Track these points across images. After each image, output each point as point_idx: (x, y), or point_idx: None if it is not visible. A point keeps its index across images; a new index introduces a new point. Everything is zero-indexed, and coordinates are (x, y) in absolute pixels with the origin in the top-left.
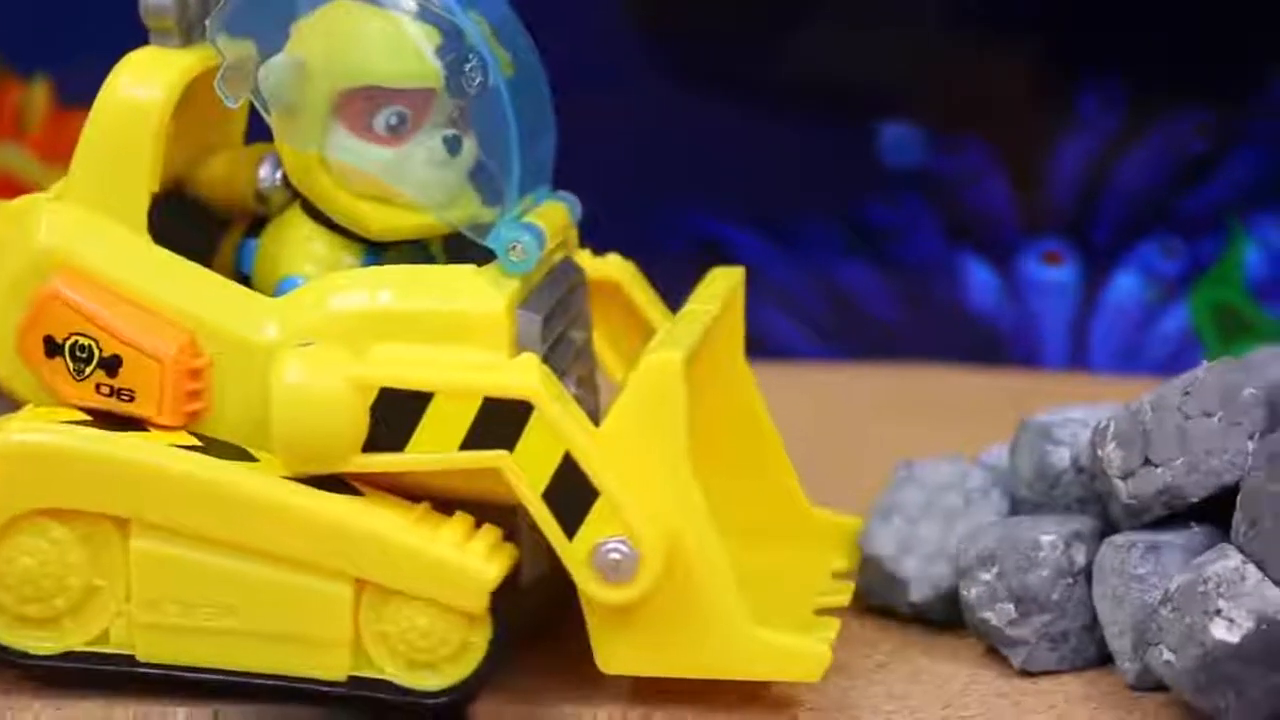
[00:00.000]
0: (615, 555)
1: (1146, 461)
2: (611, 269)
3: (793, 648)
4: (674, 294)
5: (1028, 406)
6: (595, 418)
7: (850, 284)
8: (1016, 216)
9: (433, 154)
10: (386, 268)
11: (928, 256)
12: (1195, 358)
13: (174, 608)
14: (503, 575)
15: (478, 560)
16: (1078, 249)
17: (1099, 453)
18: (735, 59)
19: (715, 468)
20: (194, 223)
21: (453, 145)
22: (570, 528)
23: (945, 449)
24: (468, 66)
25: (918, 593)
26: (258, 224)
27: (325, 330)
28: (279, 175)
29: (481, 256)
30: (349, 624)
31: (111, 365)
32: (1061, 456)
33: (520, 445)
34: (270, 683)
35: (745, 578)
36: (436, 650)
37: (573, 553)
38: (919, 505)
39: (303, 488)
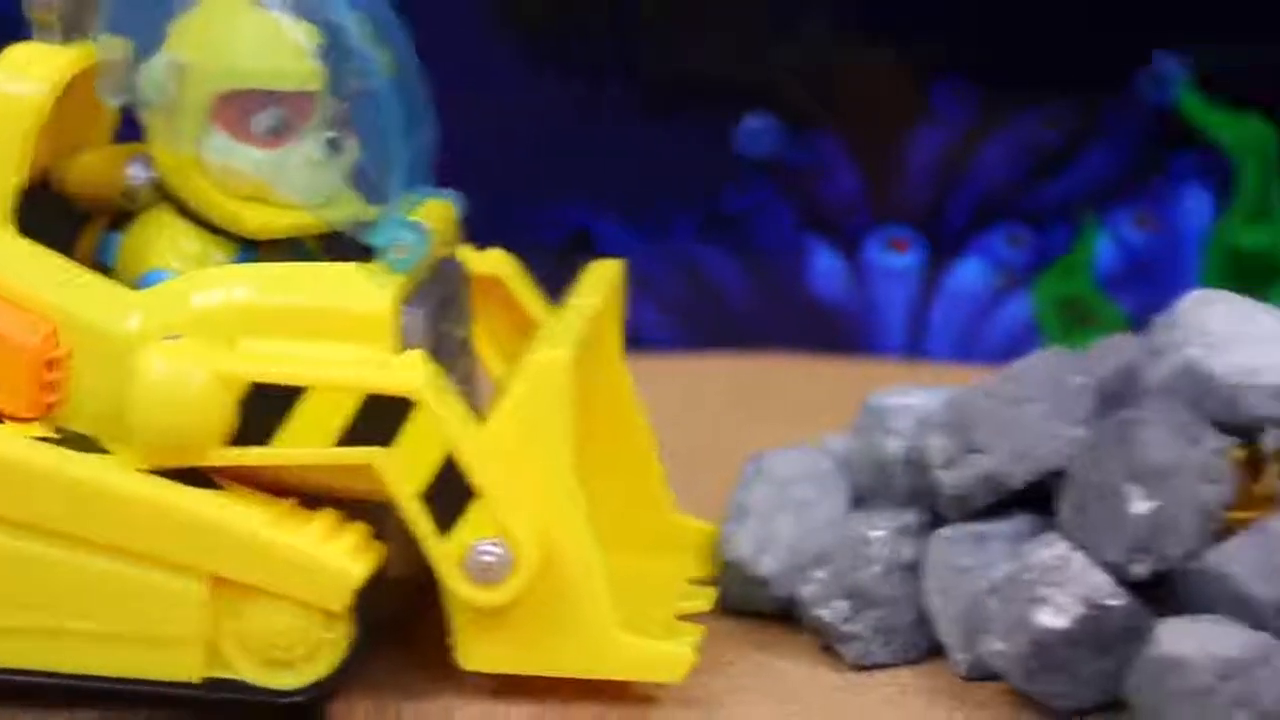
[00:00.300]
0: (488, 558)
1: (971, 448)
2: (493, 264)
3: (657, 651)
4: (544, 286)
5: (864, 395)
6: (475, 415)
7: (709, 273)
8: (867, 206)
9: (311, 156)
10: (266, 264)
11: (779, 244)
12: (1034, 347)
13: (21, 608)
14: (368, 574)
15: (342, 558)
16: (925, 238)
17: (924, 444)
18: (600, 54)
19: (590, 468)
20: (55, 216)
21: (333, 147)
22: (445, 528)
23: (794, 439)
24: (349, 67)
25: (778, 590)
26: (121, 218)
27: (197, 324)
28: (149, 175)
29: (361, 255)
30: (203, 623)
31: None
32: (895, 447)
33: (398, 443)
34: (122, 686)
35: (612, 581)
36: (294, 649)
37: (445, 554)
38: (771, 502)
39: (159, 481)
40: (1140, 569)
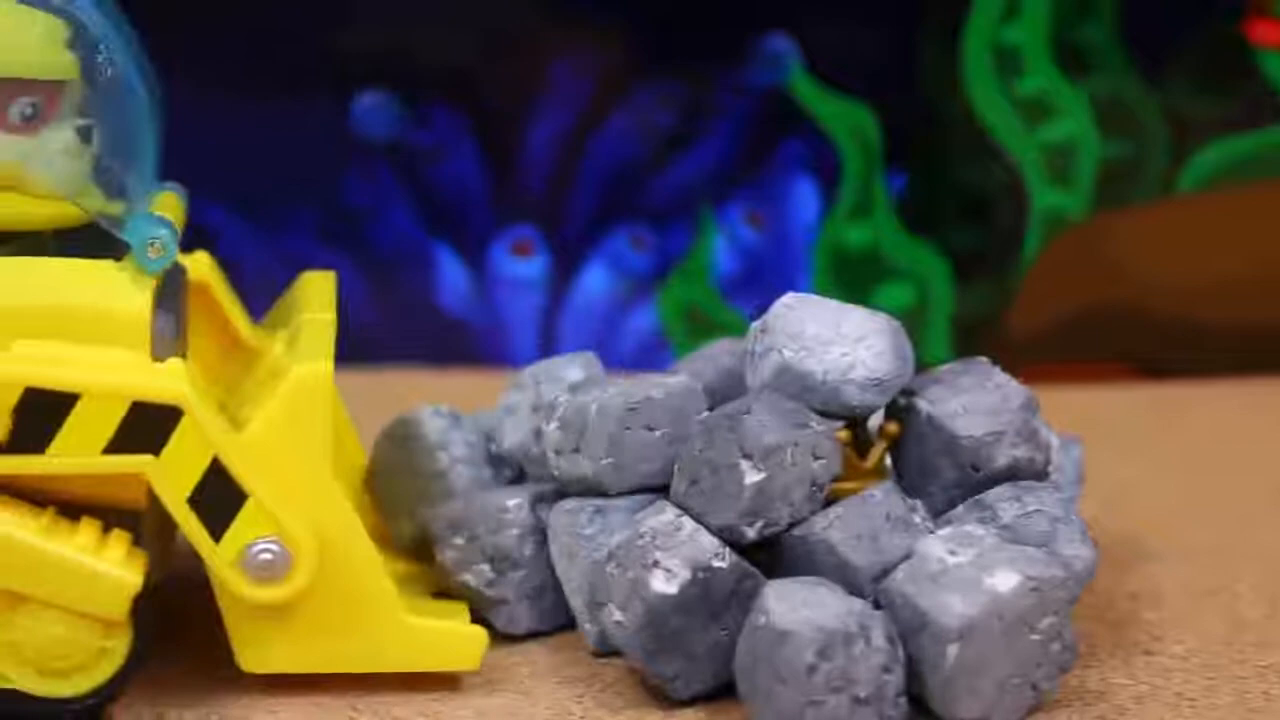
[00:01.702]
0: (266, 555)
1: (577, 449)
2: (201, 269)
3: (453, 633)
4: None
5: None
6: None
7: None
8: (488, 197)
9: (68, 143)
10: (22, 259)
11: (402, 249)
12: (665, 357)
13: None
14: (142, 581)
15: (116, 567)
16: (547, 238)
17: (542, 426)
18: (197, 37)
19: None
20: None
21: (85, 134)
22: (217, 531)
23: None
24: (99, 57)
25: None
26: None
27: None
28: None
29: (93, 251)
30: None
31: None
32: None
33: (167, 450)
34: None
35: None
36: (71, 658)
37: (220, 555)
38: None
39: None
40: (751, 531)
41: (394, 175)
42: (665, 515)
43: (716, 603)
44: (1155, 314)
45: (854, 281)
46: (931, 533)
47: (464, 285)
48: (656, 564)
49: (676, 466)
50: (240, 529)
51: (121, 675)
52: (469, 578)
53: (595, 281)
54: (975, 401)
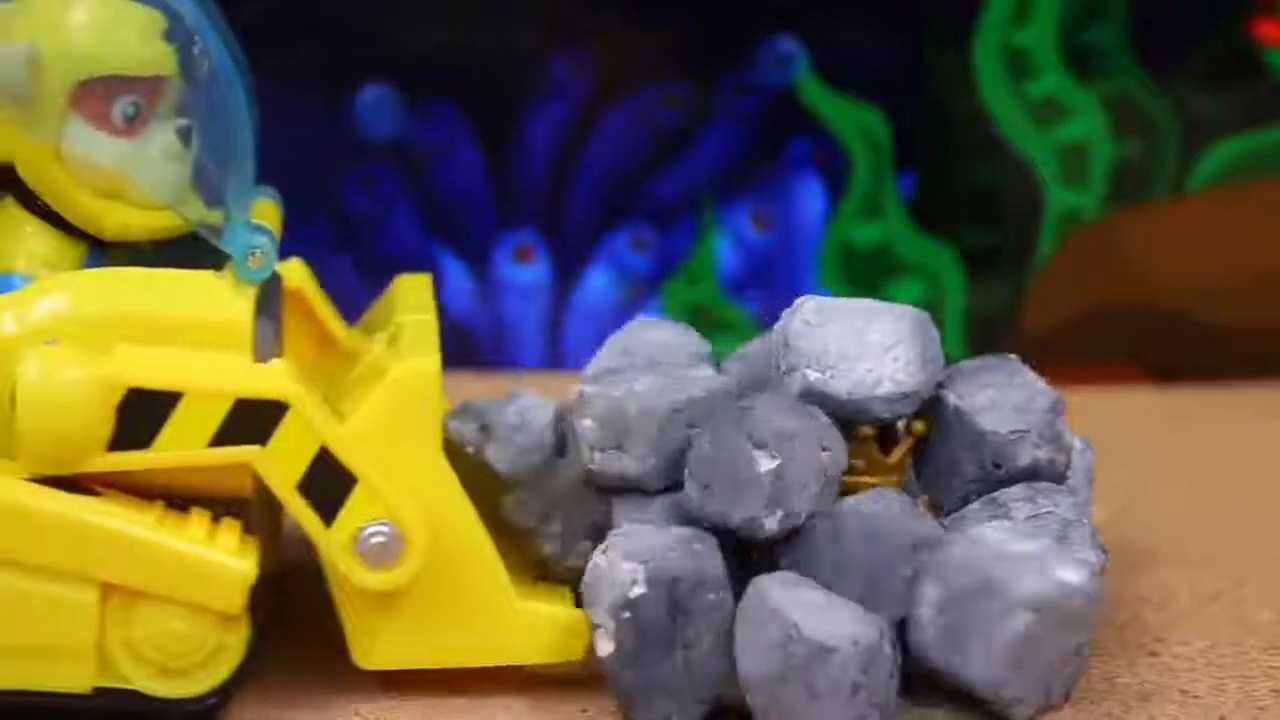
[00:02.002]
0: (379, 538)
1: (619, 447)
2: (294, 275)
3: (568, 618)
4: None
5: None
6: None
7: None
8: (490, 196)
9: (169, 146)
10: (128, 270)
11: (406, 254)
12: None
13: None
14: (257, 571)
15: (230, 556)
16: (548, 242)
17: (576, 420)
18: None
19: None
20: None
21: (185, 136)
22: (328, 516)
23: None
24: (196, 50)
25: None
26: None
27: (64, 329)
28: None
29: (190, 258)
30: (93, 632)
31: None
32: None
33: (273, 440)
34: (10, 700)
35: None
36: (190, 655)
37: (333, 540)
38: None
39: (43, 489)
40: (772, 522)
41: (395, 179)
42: (593, 560)
43: (658, 634)
44: (1170, 315)
45: (863, 278)
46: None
47: (467, 289)
48: (595, 626)
49: (687, 474)
50: (351, 513)
51: (240, 672)
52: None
53: (597, 284)
54: (1003, 398)
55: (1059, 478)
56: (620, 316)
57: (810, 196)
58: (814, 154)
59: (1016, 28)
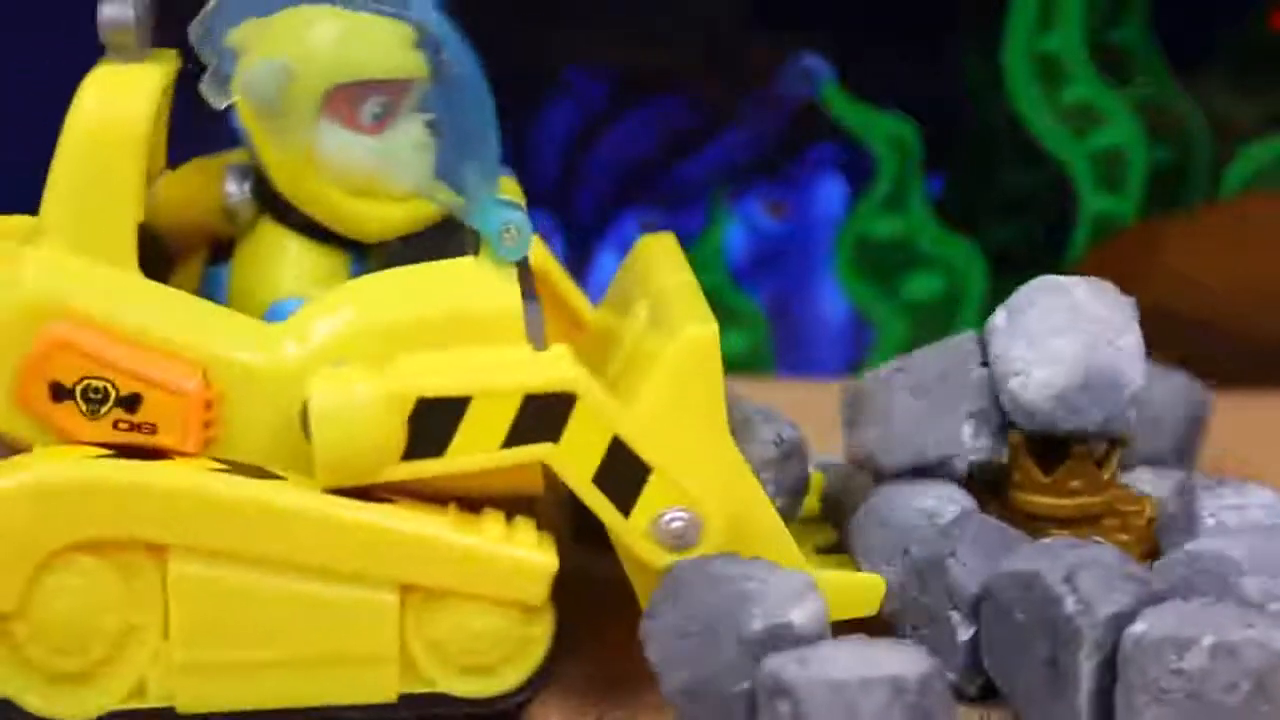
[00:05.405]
0: (678, 523)
1: (855, 422)
2: (536, 255)
3: (854, 582)
4: None
5: None
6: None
7: None
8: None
9: (418, 137)
10: (387, 274)
11: None
12: None
13: (213, 639)
14: (558, 562)
15: (531, 550)
16: (559, 221)
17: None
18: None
19: None
20: (145, 248)
21: (433, 127)
22: (625, 506)
23: None
24: (444, 54)
25: None
26: (217, 249)
27: (346, 347)
28: (246, 188)
29: (435, 248)
30: (395, 636)
31: (130, 402)
32: None
33: (566, 435)
34: (317, 714)
35: None
36: (492, 652)
37: (631, 529)
38: None
39: (340, 499)
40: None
41: None
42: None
43: None
44: (1208, 322)
45: (879, 270)
46: None
47: None
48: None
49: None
50: (648, 501)
51: (546, 667)
52: None
53: (608, 268)
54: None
55: None
56: None
57: (830, 190)
58: (838, 157)
59: (1043, 32)
